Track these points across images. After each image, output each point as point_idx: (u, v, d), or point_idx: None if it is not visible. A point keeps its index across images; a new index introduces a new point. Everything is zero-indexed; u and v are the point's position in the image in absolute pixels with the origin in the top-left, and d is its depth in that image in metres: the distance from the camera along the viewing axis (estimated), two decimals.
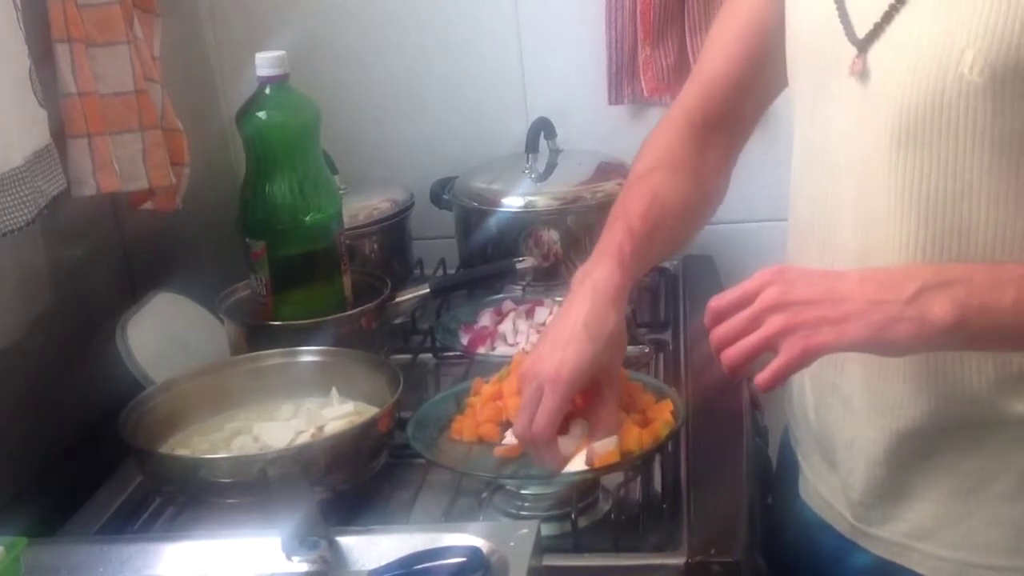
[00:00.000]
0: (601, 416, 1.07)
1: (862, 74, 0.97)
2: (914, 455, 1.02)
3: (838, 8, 1.00)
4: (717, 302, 0.95)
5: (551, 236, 1.66)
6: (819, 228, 1.05)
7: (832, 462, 1.11)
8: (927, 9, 0.93)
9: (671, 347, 1.48)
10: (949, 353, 0.97)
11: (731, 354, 0.93)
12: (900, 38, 0.95)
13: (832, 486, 1.12)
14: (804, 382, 1.14)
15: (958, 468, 1.01)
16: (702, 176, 1.21)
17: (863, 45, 0.97)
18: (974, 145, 0.92)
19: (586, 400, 1.08)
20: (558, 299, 1.53)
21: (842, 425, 1.07)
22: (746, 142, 1.25)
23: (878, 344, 0.90)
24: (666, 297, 1.67)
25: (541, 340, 1.10)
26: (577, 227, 1.66)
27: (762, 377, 0.91)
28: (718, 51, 1.21)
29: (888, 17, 0.95)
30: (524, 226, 1.66)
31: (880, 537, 1.07)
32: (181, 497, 1.14)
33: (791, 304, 0.91)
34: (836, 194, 1.02)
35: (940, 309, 0.88)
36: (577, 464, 1.07)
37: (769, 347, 0.91)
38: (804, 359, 0.90)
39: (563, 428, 1.07)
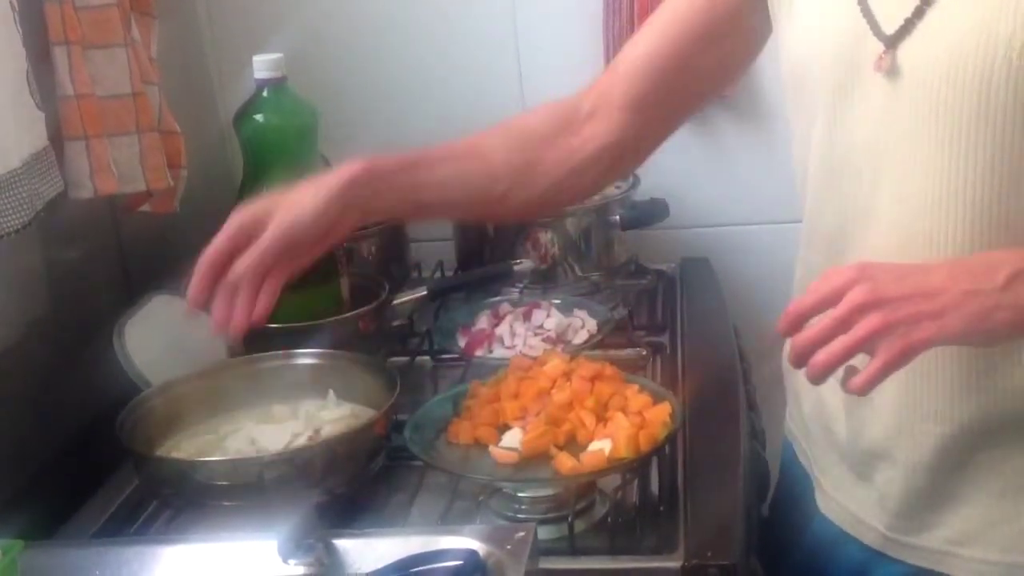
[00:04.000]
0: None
1: (890, 71, 0.95)
2: (960, 458, 1.00)
3: (860, 6, 0.97)
4: (797, 306, 0.90)
5: (548, 238, 1.66)
6: (847, 231, 1.02)
7: (863, 473, 1.08)
8: (961, 1, 0.91)
9: (668, 350, 1.48)
10: (998, 350, 0.94)
11: (821, 359, 0.87)
12: (936, 31, 0.92)
13: (861, 498, 1.09)
14: (823, 393, 1.10)
15: (1005, 467, 0.99)
16: (538, 150, 1.19)
17: (892, 41, 0.95)
18: (1022, 130, 0.89)
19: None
20: (555, 301, 1.53)
21: (877, 435, 1.04)
22: (646, 145, 1.24)
23: (978, 335, 0.88)
24: (663, 300, 1.67)
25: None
26: (574, 229, 1.67)
27: (858, 381, 0.87)
28: (640, 39, 1.21)
29: (920, 12, 0.93)
30: (521, 228, 1.66)
31: (918, 546, 1.04)
32: (178, 500, 1.14)
33: (884, 302, 0.86)
34: (867, 198, 1.00)
35: None
36: (512, 440, 1.10)
37: (863, 349, 0.87)
38: (905, 358, 0.86)
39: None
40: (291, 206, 1.08)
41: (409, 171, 1.14)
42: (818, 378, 0.89)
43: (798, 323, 0.90)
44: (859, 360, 0.88)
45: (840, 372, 0.89)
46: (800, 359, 0.89)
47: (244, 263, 1.07)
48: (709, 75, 1.20)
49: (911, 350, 0.86)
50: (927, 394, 0.99)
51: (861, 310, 0.87)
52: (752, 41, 1.12)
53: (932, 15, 0.93)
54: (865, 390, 0.87)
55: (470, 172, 1.18)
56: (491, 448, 1.12)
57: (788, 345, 0.92)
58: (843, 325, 0.87)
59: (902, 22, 0.94)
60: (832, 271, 0.90)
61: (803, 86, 1.06)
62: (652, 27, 1.20)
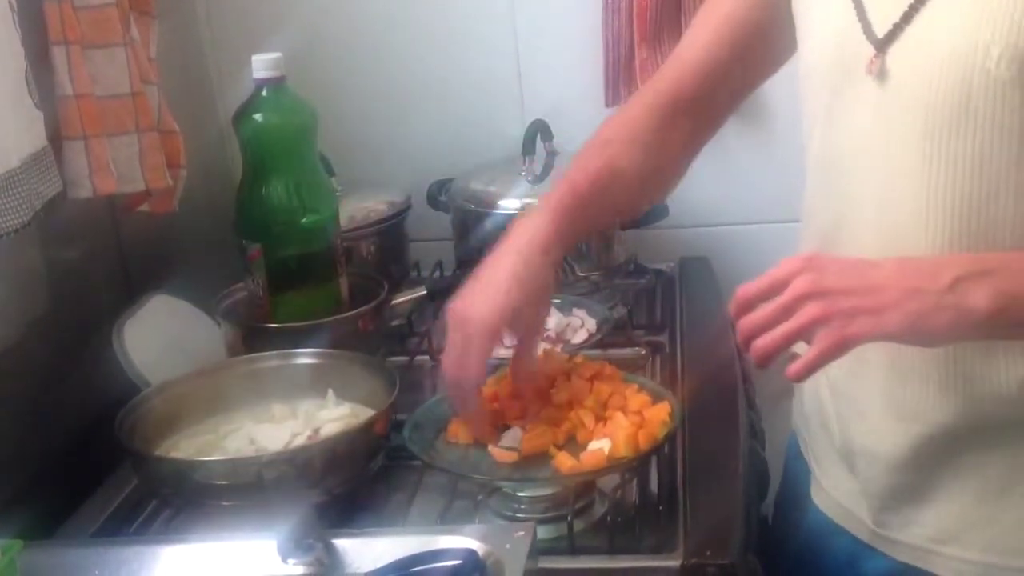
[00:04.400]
0: (523, 370, 1.11)
1: (880, 74, 0.96)
2: (939, 458, 1.01)
3: (856, 9, 0.98)
4: (745, 291, 0.93)
5: None
6: (839, 231, 1.04)
7: (851, 467, 1.09)
8: (948, 7, 0.92)
9: (667, 349, 1.48)
10: (977, 354, 0.95)
11: (762, 344, 0.90)
12: (922, 37, 0.93)
13: (850, 491, 1.10)
14: (820, 388, 1.12)
15: (985, 469, 1.00)
16: (660, 155, 1.21)
17: (882, 45, 0.96)
18: (1002, 140, 0.90)
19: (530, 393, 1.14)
20: (554, 301, 1.52)
21: (862, 431, 1.06)
22: (714, 133, 1.25)
23: (916, 334, 0.89)
24: (662, 299, 1.67)
25: (471, 284, 1.11)
26: None
27: (794, 368, 0.89)
28: (700, 35, 1.20)
29: (908, 17, 0.94)
30: None
31: (901, 541, 1.06)
32: (177, 500, 1.14)
33: (826, 292, 0.88)
34: (857, 196, 1.01)
35: (979, 297, 0.86)
36: (511, 440, 1.11)
37: (803, 337, 0.89)
38: (840, 349, 0.88)
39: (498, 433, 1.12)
40: (523, 314, 1.10)
41: (579, 222, 1.15)
42: (761, 361, 0.91)
43: (746, 307, 0.93)
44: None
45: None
46: (745, 342, 0.92)
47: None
48: (760, 68, 1.21)
49: (847, 342, 0.88)
50: (909, 394, 1.00)
51: (805, 298, 0.89)
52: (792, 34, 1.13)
53: (919, 21, 0.94)
54: (801, 377, 0.89)
55: (620, 199, 1.21)
56: (490, 448, 1.12)
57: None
58: (786, 312, 0.89)
59: (891, 26, 0.95)
60: (785, 260, 0.92)
61: (808, 85, 1.07)
62: (706, 26, 1.20)
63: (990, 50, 0.88)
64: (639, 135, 1.20)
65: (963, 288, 0.87)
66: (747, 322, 0.92)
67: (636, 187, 1.20)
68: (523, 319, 1.09)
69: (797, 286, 0.89)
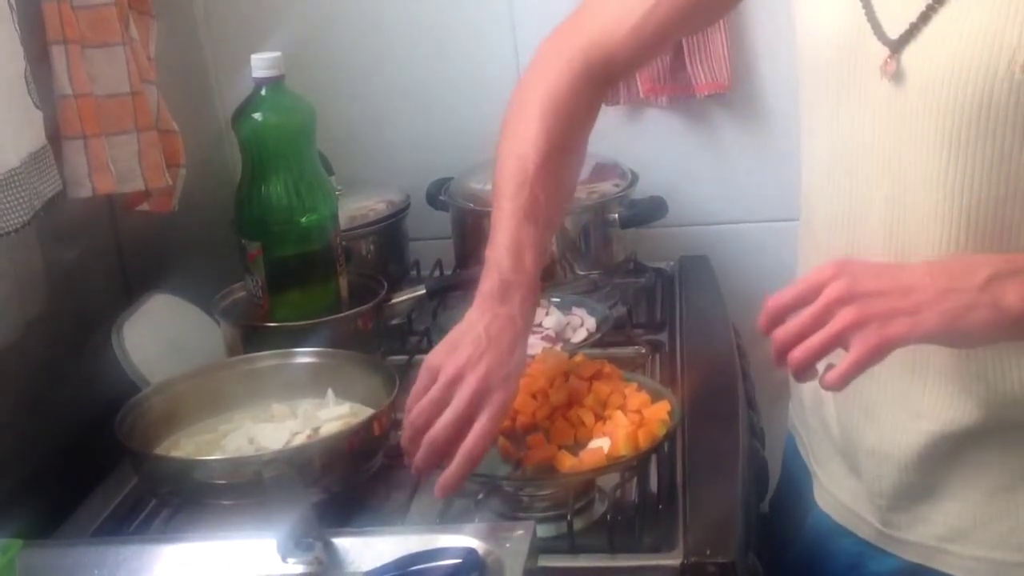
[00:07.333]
0: None
1: (895, 75, 0.95)
2: (949, 456, 1.00)
3: (865, 8, 0.97)
4: (775, 301, 0.91)
5: None
6: (844, 232, 1.02)
7: (856, 468, 1.09)
8: (968, 9, 0.90)
9: (667, 348, 1.48)
10: (989, 354, 0.95)
11: (799, 354, 0.88)
12: (940, 38, 0.92)
13: (855, 492, 1.10)
14: (820, 390, 1.10)
15: (995, 467, 0.99)
16: (583, 149, 1.21)
17: (897, 46, 0.94)
18: (1022, 145, 0.89)
19: None
20: (554, 300, 1.53)
21: (869, 432, 1.05)
22: None
23: (953, 333, 0.88)
24: (662, 298, 1.67)
25: (486, 348, 1.05)
26: (572, 228, 1.66)
27: (832, 377, 0.87)
28: None
29: (925, 17, 0.92)
30: None
31: (910, 541, 1.05)
32: (176, 499, 1.14)
33: (860, 296, 0.87)
34: (865, 198, 1.00)
35: (1015, 296, 0.86)
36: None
37: (840, 344, 0.87)
38: (879, 353, 0.86)
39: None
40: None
41: (536, 296, 1.14)
42: (799, 373, 0.89)
43: (777, 319, 0.91)
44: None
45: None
46: (780, 355, 0.90)
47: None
48: (705, 20, 1.24)
49: (884, 345, 0.86)
50: (922, 393, 1.00)
51: (838, 304, 0.87)
52: None
53: (938, 21, 0.92)
54: (839, 385, 0.88)
55: (547, 243, 1.21)
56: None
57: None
58: (820, 320, 0.88)
59: (907, 26, 0.94)
60: (815, 268, 0.91)
61: (808, 81, 1.06)
62: None
63: (1016, 55, 0.87)
64: (574, 141, 1.18)
65: (998, 286, 0.86)
66: (781, 334, 0.90)
67: (555, 222, 1.20)
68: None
69: (830, 292, 0.88)
